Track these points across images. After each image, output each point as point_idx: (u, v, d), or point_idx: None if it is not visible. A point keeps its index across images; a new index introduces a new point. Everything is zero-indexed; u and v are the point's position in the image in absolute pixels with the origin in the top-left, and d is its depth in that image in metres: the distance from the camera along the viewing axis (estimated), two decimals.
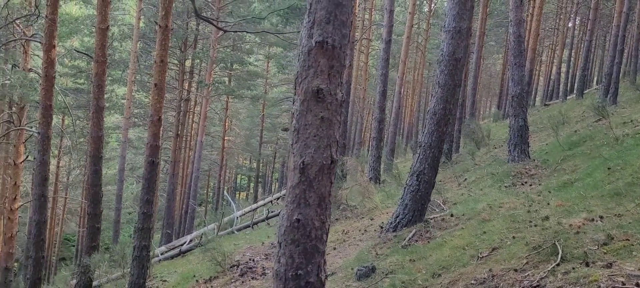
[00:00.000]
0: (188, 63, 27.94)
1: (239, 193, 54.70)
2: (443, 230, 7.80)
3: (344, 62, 3.92)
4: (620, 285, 4.19)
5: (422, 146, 8.47)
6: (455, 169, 15.13)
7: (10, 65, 16.69)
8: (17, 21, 15.18)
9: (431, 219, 8.42)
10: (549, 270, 4.86)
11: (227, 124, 40.03)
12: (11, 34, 17.17)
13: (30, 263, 11.81)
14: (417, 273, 6.32)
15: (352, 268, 7.22)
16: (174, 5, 11.38)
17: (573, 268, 4.71)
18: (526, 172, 11.15)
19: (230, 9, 25.83)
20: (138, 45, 25.40)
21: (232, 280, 9.45)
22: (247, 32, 25.37)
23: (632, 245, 4.86)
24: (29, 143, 17.57)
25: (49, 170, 12.04)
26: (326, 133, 3.81)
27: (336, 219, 11.88)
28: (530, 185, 10.02)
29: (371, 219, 10.92)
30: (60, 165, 31.89)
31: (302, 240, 3.84)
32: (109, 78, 26.24)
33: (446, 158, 16.11)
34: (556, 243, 5.25)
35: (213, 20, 17.38)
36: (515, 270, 5.19)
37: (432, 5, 39.27)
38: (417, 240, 7.72)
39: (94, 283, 11.74)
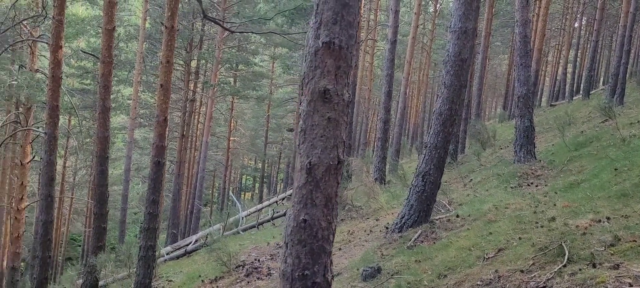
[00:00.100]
0: (193, 64, 28.01)
1: (244, 194, 54.78)
2: (449, 231, 7.78)
3: (350, 63, 3.93)
4: (627, 287, 4.18)
5: (427, 147, 8.46)
6: (461, 170, 15.10)
7: (18, 66, 16.80)
8: (25, 22, 15.27)
9: (437, 220, 8.40)
10: (555, 271, 4.84)
11: (232, 124, 40.10)
12: (18, 35, 17.30)
13: (37, 263, 11.87)
14: (423, 274, 6.31)
15: (357, 269, 7.22)
16: (179, 6, 11.41)
17: (580, 270, 4.70)
18: (532, 173, 11.12)
19: (236, 10, 25.88)
20: (144, 46, 25.49)
21: (238, 281, 9.46)
22: (253, 33, 25.42)
23: None
24: (35, 143, 17.67)
25: (55, 170, 12.09)
26: (333, 133, 3.81)
27: (341, 220, 11.88)
28: (537, 186, 9.99)
29: (376, 220, 10.92)
30: (67, 165, 32.05)
31: (309, 240, 3.84)
32: (115, 78, 26.34)
33: (452, 159, 16.08)
34: (563, 244, 5.23)
35: (219, 21, 17.42)
36: (522, 271, 5.18)
37: (438, 5, 39.19)
38: (422, 241, 7.72)
39: (100, 283, 11.79)
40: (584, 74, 31.80)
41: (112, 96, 14.81)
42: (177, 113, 30.38)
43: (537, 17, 26.81)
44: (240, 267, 10.07)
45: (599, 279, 4.38)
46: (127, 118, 30.16)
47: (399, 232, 8.42)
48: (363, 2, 25.21)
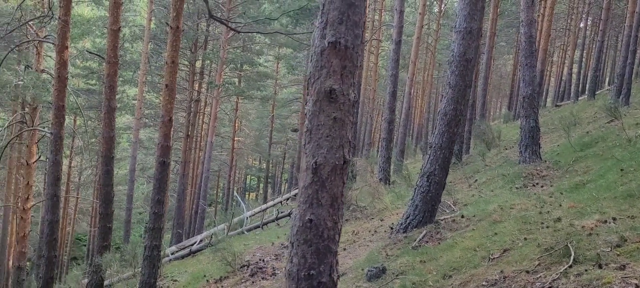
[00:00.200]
0: (198, 64, 28.08)
1: (249, 194, 54.84)
2: (454, 232, 7.77)
3: (356, 63, 3.93)
4: None
5: (432, 147, 8.45)
6: (466, 170, 15.07)
7: (24, 66, 16.87)
8: (31, 23, 15.34)
9: (442, 220, 8.39)
10: (561, 272, 4.83)
11: (236, 124, 40.17)
12: (25, 36, 17.38)
13: (43, 262, 11.92)
14: (428, 274, 6.30)
15: (362, 269, 7.21)
16: (184, 6, 11.44)
17: (586, 270, 4.68)
18: (537, 173, 11.09)
19: (242, 10, 25.92)
20: (149, 46, 25.57)
21: (243, 280, 9.48)
22: (259, 33, 25.45)
23: None
24: (41, 143, 17.74)
25: (61, 170, 12.12)
26: (339, 133, 3.82)
27: (346, 220, 11.88)
28: (542, 187, 9.96)
29: (381, 220, 10.91)
30: (72, 165, 32.18)
31: (315, 240, 3.85)
32: (120, 79, 26.43)
33: (456, 160, 16.05)
34: (568, 244, 5.22)
35: (225, 21, 17.45)
36: (527, 272, 5.16)
37: (442, 5, 39.14)
38: (427, 241, 7.71)
39: (106, 282, 11.83)
40: (589, 74, 31.72)
41: (117, 96, 14.84)
42: (181, 113, 30.47)
43: (542, 17, 26.73)
44: (245, 267, 10.09)
45: (605, 280, 4.37)
46: (132, 118, 30.27)
47: (403, 232, 8.42)
48: (368, 2, 25.18)
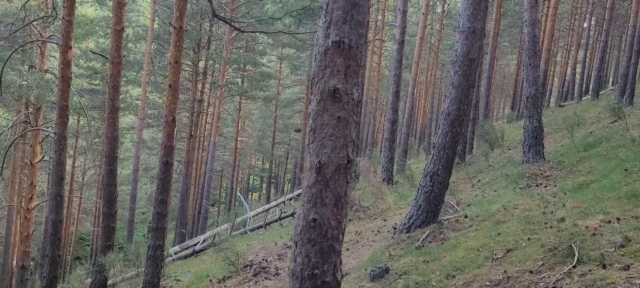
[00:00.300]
0: (201, 64, 28.12)
1: (252, 194, 54.88)
2: (457, 232, 7.76)
3: (360, 62, 3.93)
4: None
5: (435, 147, 8.44)
6: (469, 170, 15.05)
7: (27, 67, 16.93)
8: (34, 23, 15.38)
9: (445, 220, 8.38)
10: (565, 272, 4.82)
11: (239, 124, 40.21)
12: (28, 36, 17.44)
13: (47, 262, 11.94)
14: (431, 274, 6.30)
15: (365, 269, 7.21)
16: (188, 6, 11.46)
17: (590, 271, 4.67)
18: (541, 174, 11.06)
19: (245, 10, 25.95)
20: (152, 46, 25.60)
21: (246, 280, 9.49)
22: (262, 33, 25.47)
23: None
24: (45, 143, 17.79)
25: (65, 170, 12.16)
26: (342, 133, 3.82)
27: (349, 220, 11.87)
28: (545, 187, 9.94)
29: (384, 220, 10.91)
30: (76, 165, 32.26)
31: (319, 239, 3.85)
32: (124, 79, 26.45)
33: (460, 160, 16.03)
34: (572, 245, 5.21)
35: (229, 20, 17.45)
36: (531, 272, 5.16)
37: (446, 5, 39.10)
38: (430, 241, 7.70)
39: (109, 282, 11.85)
40: (593, 74, 31.62)
41: (120, 96, 14.88)
42: (185, 113, 30.51)
43: (545, 17, 26.69)
44: (248, 267, 10.09)
45: (609, 280, 4.36)
46: (136, 118, 30.29)
47: (406, 232, 8.42)
48: (371, 2, 25.18)
